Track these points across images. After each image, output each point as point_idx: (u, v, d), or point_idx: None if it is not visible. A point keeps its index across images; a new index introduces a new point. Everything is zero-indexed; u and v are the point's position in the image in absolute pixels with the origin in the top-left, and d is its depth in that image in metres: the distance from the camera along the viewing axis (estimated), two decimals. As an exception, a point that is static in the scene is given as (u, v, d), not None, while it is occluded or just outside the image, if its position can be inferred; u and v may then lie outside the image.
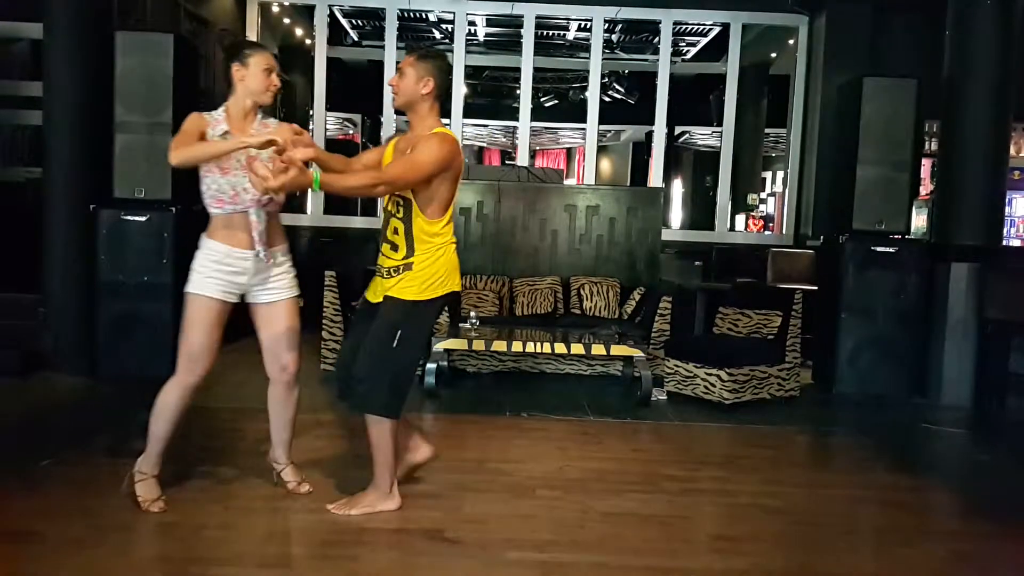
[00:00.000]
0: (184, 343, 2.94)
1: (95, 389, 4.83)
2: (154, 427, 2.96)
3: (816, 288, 5.96)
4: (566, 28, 10.34)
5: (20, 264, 5.37)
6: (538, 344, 4.86)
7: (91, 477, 3.28)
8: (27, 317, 5.18)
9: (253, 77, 2.94)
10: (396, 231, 2.92)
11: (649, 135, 8.47)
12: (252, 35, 7.75)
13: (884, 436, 4.52)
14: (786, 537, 3.02)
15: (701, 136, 13.49)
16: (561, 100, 12.72)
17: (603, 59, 7.88)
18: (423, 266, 2.89)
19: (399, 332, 2.85)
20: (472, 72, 11.56)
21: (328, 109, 7.96)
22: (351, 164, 3.10)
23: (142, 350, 4.98)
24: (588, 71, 7.82)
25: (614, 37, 10.65)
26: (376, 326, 2.89)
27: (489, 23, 10.35)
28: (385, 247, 2.96)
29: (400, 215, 2.91)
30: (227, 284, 2.95)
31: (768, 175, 13.85)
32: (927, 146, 6.99)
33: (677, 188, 14.87)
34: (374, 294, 3.03)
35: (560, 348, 4.93)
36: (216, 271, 2.92)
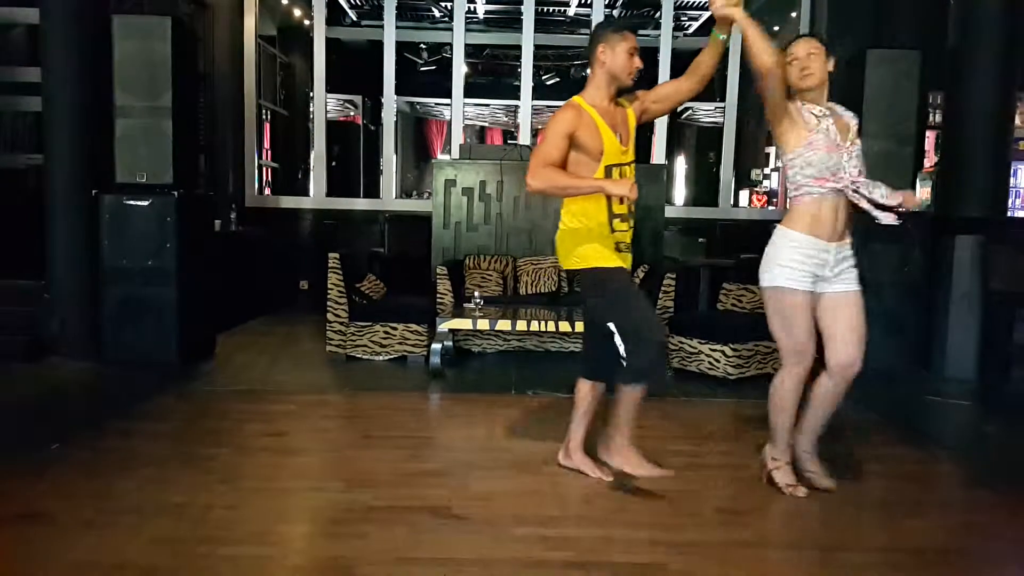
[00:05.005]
0: (787, 339, 3.00)
1: (101, 374, 4.85)
2: (775, 419, 3.11)
3: (820, 263, 5.93)
4: (566, 4, 10.27)
5: (25, 251, 5.38)
6: (542, 323, 4.86)
7: (100, 460, 3.30)
8: (33, 303, 5.21)
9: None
10: (622, 201, 3.00)
11: (651, 111, 8.38)
12: (250, 16, 7.68)
13: (889, 409, 4.51)
14: (792, 510, 3.03)
15: (704, 112, 13.38)
16: (563, 78, 12.63)
17: (604, 35, 7.79)
18: None
19: None
20: (472, 51, 11.48)
21: (328, 91, 7.93)
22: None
23: (147, 335, 5.02)
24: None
25: (615, 12, 10.57)
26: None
27: (488, 0, 10.28)
28: (625, 223, 3.06)
29: None
30: (812, 276, 2.97)
31: (771, 150, 13.73)
32: (931, 118, 6.93)
33: (680, 165, 14.80)
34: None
35: (564, 327, 4.93)
36: (803, 263, 2.95)
